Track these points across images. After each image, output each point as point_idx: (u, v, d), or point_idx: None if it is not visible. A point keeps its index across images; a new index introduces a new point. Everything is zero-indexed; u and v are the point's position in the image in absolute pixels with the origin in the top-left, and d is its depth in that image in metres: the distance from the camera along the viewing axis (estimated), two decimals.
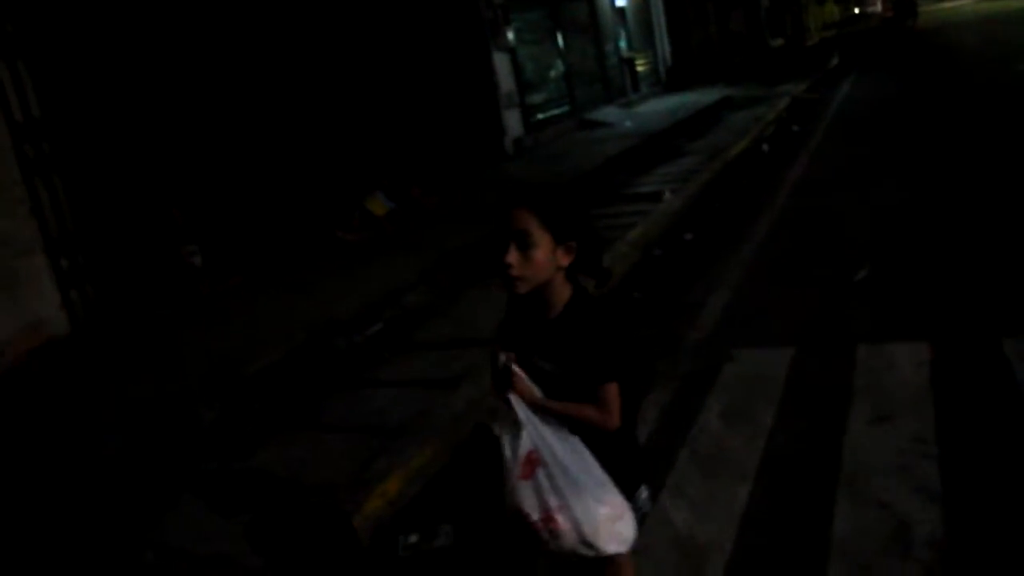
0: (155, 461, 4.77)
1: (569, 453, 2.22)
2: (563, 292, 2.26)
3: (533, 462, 2.22)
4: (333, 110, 10.76)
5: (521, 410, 2.22)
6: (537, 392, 2.26)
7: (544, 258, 2.16)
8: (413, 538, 3.90)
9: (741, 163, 12.33)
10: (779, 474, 3.70)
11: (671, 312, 6.25)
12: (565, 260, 2.21)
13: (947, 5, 54.47)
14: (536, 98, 16.50)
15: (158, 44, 8.38)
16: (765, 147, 13.53)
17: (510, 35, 15.31)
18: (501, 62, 15.07)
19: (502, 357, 2.26)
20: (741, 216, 8.86)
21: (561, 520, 2.20)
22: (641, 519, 2.41)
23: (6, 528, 4.21)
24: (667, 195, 9.97)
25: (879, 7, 61.51)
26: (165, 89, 8.42)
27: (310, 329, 6.32)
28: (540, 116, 16.46)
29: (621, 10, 22.37)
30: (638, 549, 3.29)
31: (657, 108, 19.58)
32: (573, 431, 2.25)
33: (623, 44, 22.39)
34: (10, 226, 6.84)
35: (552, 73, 17.65)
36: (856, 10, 66.58)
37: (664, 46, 25.59)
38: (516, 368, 2.25)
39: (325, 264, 8.73)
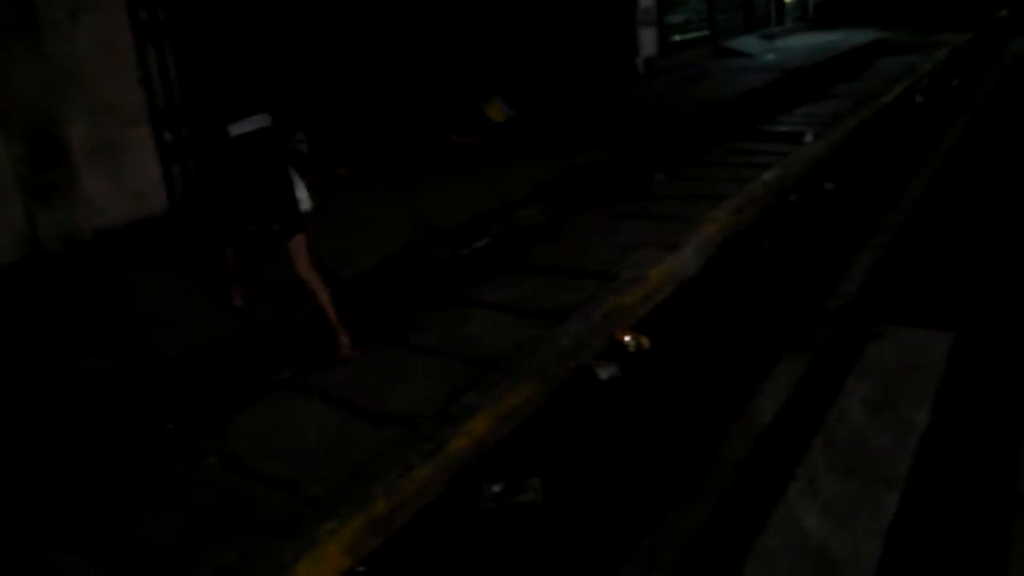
0: (229, 359, 4.47)
1: None
2: None
3: None
4: (460, 6, 10.13)
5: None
6: None
7: None
8: (497, 488, 3.49)
9: (892, 113, 11.24)
10: (936, 487, 3.11)
11: (806, 269, 5.59)
12: None
13: None
14: (675, 18, 15.48)
15: None
16: (919, 98, 12.35)
17: None
18: None
19: None
20: (890, 171, 7.98)
21: None
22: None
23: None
24: (808, 137, 9.13)
25: None
26: None
27: (411, 236, 5.92)
28: (677, 38, 15.47)
29: None
30: (761, 552, 2.84)
31: (802, 44, 18.22)
32: None
33: None
34: (118, 93, 6.56)
35: None
36: None
37: None
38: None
39: (434, 167, 8.29)
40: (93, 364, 4.36)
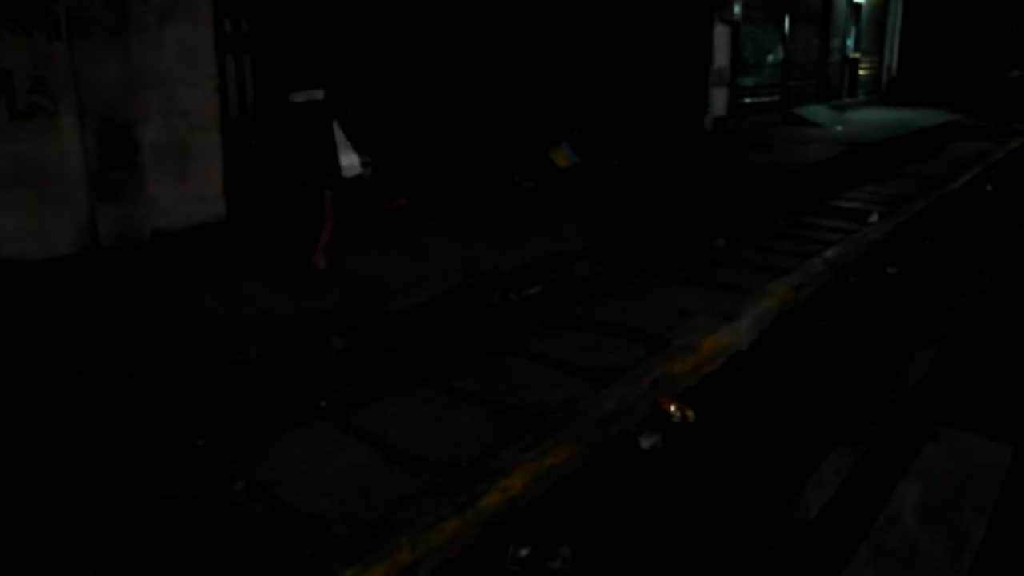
0: (269, 380, 4.44)
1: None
2: None
3: None
4: (533, 50, 10.17)
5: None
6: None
7: None
8: (525, 552, 3.38)
9: (960, 199, 11.01)
10: None
11: (862, 356, 5.43)
12: None
13: None
14: (747, 80, 15.41)
15: None
16: (989, 187, 12.11)
17: (737, 8, 14.25)
18: (721, 35, 14.09)
19: None
20: (957, 261, 7.78)
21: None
22: None
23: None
24: (874, 217, 8.94)
25: None
26: None
27: (464, 275, 5.86)
28: (747, 100, 15.38)
29: (857, 6, 20.65)
30: None
31: (872, 118, 18.04)
32: None
33: (850, 43, 20.73)
34: (194, 98, 6.67)
35: (770, 58, 16.46)
36: None
37: (893, 54, 23.59)
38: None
39: (494, 207, 8.25)
40: (132, 369, 4.33)
